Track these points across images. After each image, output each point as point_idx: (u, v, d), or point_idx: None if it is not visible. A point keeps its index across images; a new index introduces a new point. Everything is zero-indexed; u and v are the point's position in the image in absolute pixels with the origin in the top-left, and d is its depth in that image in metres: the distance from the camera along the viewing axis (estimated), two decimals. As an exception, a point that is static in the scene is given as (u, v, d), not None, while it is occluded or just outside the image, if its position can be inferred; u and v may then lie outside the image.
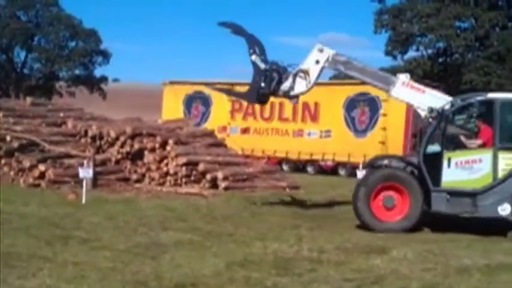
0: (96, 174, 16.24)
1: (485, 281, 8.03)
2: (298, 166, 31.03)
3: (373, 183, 12.53)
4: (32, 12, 59.43)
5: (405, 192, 12.30)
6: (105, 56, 61.43)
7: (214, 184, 17.98)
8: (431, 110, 12.85)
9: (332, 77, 40.27)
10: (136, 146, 18.52)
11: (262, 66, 13.95)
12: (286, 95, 14.08)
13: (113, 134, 18.69)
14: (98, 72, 62.56)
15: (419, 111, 13.23)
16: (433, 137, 12.64)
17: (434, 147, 12.61)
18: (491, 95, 13.07)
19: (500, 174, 12.11)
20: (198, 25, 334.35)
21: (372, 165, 13.58)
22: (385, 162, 13.42)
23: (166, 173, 18.22)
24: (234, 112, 32.84)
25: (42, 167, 16.99)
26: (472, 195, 12.20)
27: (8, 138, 18.04)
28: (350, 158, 28.87)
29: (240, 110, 32.65)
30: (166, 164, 18.31)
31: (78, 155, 17.50)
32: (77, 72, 61.24)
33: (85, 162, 15.51)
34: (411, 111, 28.60)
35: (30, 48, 59.90)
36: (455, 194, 12.31)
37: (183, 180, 18.08)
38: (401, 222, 12.25)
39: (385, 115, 28.61)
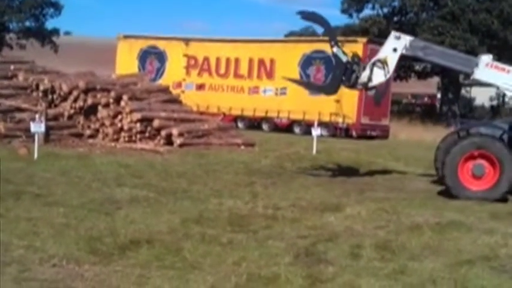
0: (48, 129, 15.94)
1: (436, 238, 8.19)
2: (253, 123, 31.05)
3: (464, 150, 12.14)
4: (-20, -40, 57.41)
5: (496, 162, 11.91)
6: (57, 7, 59.79)
7: (169, 141, 17.88)
8: None
9: (288, 33, 40.12)
10: (90, 101, 18.22)
11: (344, 59, 13.51)
12: (365, 86, 13.76)
13: (65, 88, 18.33)
14: (50, 24, 61.06)
15: (506, 92, 12.78)
16: None
17: None
18: None
19: None
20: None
21: (465, 130, 13.22)
22: (478, 129, 13.01)
23: (121, 129, 18.02)
24: (190, 68, 32.56)
25: (-8, 121, 16.63)
26: None
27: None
28: (305, 116, 29.04)
29: (196, 66, 32.39)
30: (121, 120, 18.11)
31: (30, 109, 17.15)
32: (27, 24, 59.60)
33: (37, 116, 15.19)
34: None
35: (-22, -1, 58.03)
36: None
37: (138, 136, 17.94)
38: (489, 193, 11.85)
39: (340, 73, 28.69)
